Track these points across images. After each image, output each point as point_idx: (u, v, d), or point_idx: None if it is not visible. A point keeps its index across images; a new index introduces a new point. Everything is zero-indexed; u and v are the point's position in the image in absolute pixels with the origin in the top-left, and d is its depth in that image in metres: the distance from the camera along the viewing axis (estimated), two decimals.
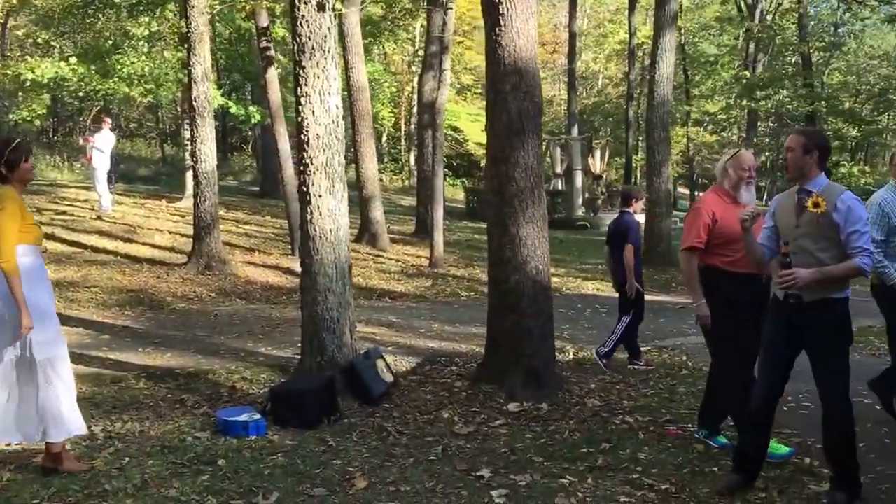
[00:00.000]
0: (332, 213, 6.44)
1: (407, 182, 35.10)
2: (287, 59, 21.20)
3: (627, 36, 35.45)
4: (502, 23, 6.50)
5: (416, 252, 16.65)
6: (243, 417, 5.66)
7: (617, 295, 8.21)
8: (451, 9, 15.35)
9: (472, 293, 12.73)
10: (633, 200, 8.11)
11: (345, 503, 4.46)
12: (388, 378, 6.68)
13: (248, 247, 15.19)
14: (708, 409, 5.71)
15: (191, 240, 13.12)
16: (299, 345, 7.38)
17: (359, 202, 16.83)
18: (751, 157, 5.52)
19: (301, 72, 6.37)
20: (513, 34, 6.48)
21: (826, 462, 4.75)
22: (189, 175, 17.10)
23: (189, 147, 15.58)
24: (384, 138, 36.64)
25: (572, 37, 32.46)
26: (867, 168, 44.85)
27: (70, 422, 4.82)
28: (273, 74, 14.19)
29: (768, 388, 4.72)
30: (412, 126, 35.65)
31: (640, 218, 10.29)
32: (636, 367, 7.94)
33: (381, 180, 20.82)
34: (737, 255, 5.12)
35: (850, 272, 4.41)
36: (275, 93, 14.10)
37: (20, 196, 4.77)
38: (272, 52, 14.44)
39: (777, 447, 5.23)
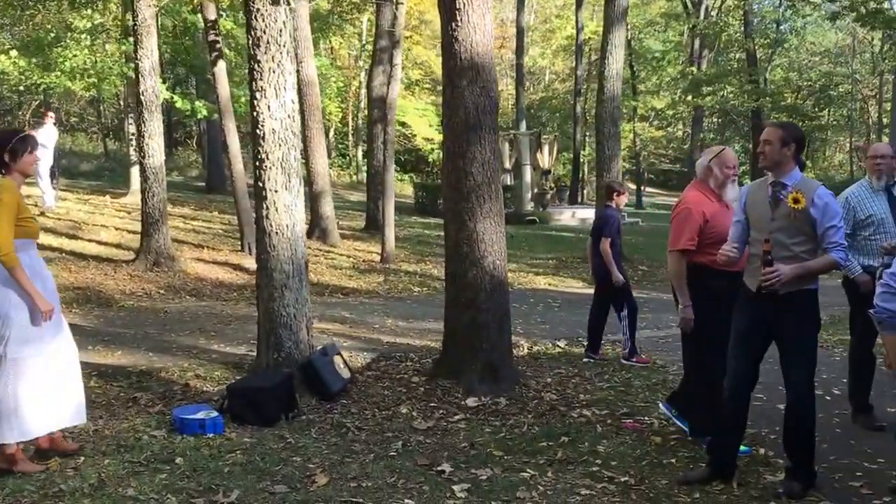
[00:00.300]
0: (288, 209, 6.39)
1: (355, 177, 34.96)
2: (234, 54, 20.99)
3: (575, 31, 35.71)
4: (459, 18, 6.50)
5: (366, 248, 16.60)
6: (200, 415, 5.57)
7: (591, 291, 8.22)
8: (402, 3, 15.31)
9: (425, 288, 12.74)
10: (615, 195, 8.16)
11: (306, 500, 4.41)
12: (346, 374, 6.65)
13: (196, 243, 14.98)
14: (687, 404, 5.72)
15: (138, 236, 12.91)
16: (252, 341, 7.34)
17: (309, 198, 16.72)
18: (734, 155, 5.54)
19: (256, 66, 6.29)
20: (469, 29, 6.49)
21: (784, 450, 4.83)
22: (135, 170, 16.83)
23: (134, 142, 15.31)
24: (331, 133, 36.41)
25: (520, 32, 32.62)
26: (809, 163, 45.79)
27: (25, 423, 4.70)
28: (222, 68, 14.03)
29: (740, 379, 4.77)
30: (360, 121, 35.52)
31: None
32: (591, 359, 7.99)
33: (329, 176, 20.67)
34: None
35: (828, 266, 4.53)
36: (223, 87, 13.94)
37: (19, 189, 4.76)
38: (221, 46, 14.26)
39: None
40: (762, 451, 5.29)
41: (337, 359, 6.66)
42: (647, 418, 6.08)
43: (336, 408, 6.15)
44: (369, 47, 27.84)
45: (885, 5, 25.46)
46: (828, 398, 6.74)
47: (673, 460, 5.16)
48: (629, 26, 28.96)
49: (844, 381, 7.23)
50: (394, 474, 4.82)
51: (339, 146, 38.48)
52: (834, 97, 46.04)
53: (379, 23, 18.81)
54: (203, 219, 18.41)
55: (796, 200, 4.46)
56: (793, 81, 44.57)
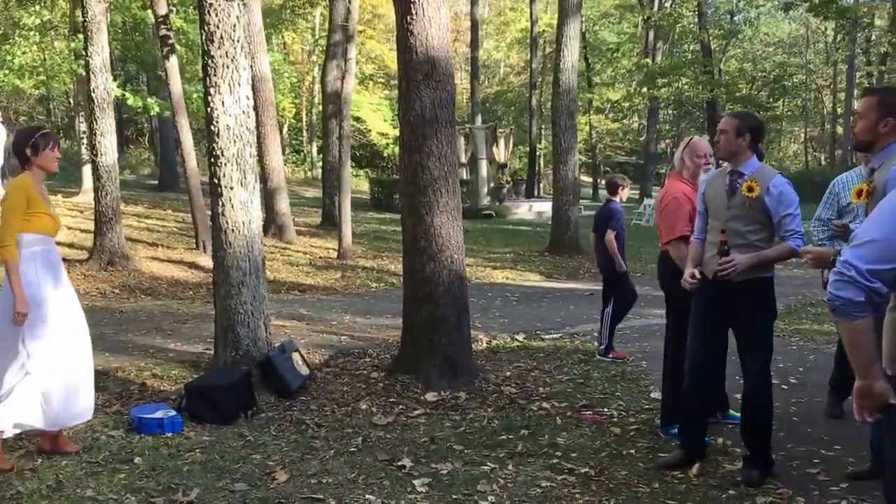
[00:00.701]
0: (244, 206, 6.32)
1: (310, 173, 34.78)
2: (186, 50, 20.72)
3: (529, 24, 35.83)
4: (413, 11, 6.47)
5: (323, 244, 16.52)
6: (158, 414, 5.50)
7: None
8: None
9: (383, 284, 12.71)
10: (619, 189, 8.20)
11: (266, 498, 4.37)
12: (305, 371, 6.60)
13: (151, 242, 14.79)
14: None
15: (91, 235, 12.71)
16: (210, 340, 7.26)
17: (264, 194, 16.59)
18: (705, 144, 5.61)
19: (210, 62, 6.22)
20: (424, 23, 6.46)
21: (742, 438, 4.89)
22: (87, 169, 16.55)
23: (86, 140, 15.07)
24: (285, 129, 36.17)
25: (474, 25, 32.65)
26: (764, 154, 46.25)
27: (21, 414, 4.72)
28: (174, 64, 13.85)
29: (699, 366, 4.84)
30: (314, 117, 35.31)
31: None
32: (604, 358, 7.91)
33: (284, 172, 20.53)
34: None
35: (784, 254, 4.59)
36: (176, 84, 13.76)
37: (37, 184, 4.84)
38: (172, 42, 14.07)
39: None
40: (720, 440, 5.34)
41: (295, 356, 6.61)
42: (606, 410, 6.12)
43: (295, 405, 6.10)
44: (323, 42, 27.66)
45: None
46: (784, 387, 6.84)
47: (632, 451, 5.19)
48: (583, 18, 29.11)
49: (801, 369, 7.41)
50: (354, 470, 4.80)
51: (294, 142, 38.28)
52: (788, 88, 46.65)
53: (332, 17, 18.69)
54: (157, 217, 18.19)
55: (750, 189, 4.53)
56: (747, 72, 45.09)
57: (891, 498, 2.62)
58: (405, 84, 6.63)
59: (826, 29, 43.86)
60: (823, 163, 50.57)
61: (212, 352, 6.92)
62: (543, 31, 37.79)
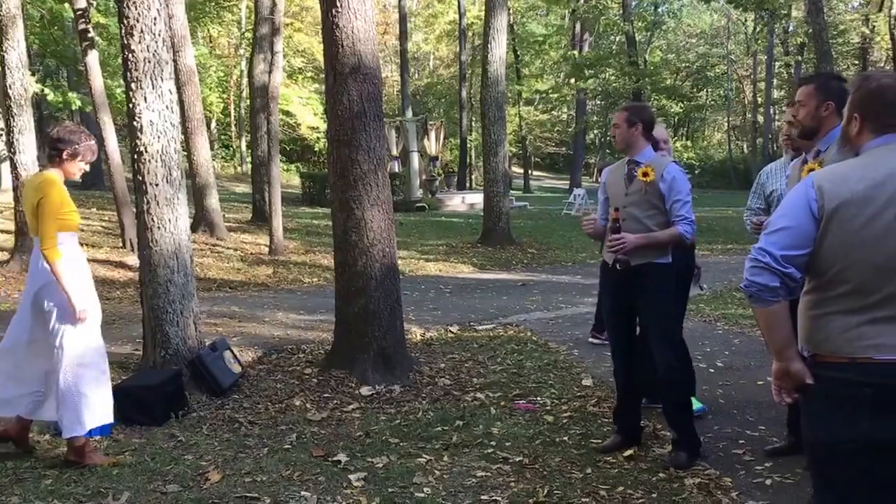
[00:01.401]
0: (170, 202, 6.21)
1: (239, 169, 34.36)
2: (107, 44, 20.25)
3: (457, 16, 35.90)
4: (339, 4, 6.43)
5: (254, 240, 16.34)
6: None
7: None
8: None
9: (315, 279, 12.62)
10: None
11: (199, 498, 4.31)
12: (237, 369, 6.52)
13: None
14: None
15: (12, 236, 12.35)
16: (138, 340, 7.14)
17: (193, 191, 16.32)
18: (661, 130, 5.74)
19: (130, 56, 6.08)
20: (350, 15, 6.43)
21: (667, 423, 5.04)
22: (5, 168, 16.07)
23: (4, 138, 14.62)
24: (213, 124, 35.65)
25: (403, 17, 32.60)
26: (689, 143, 47.36)
27: (93, 412, 4.81)
28: (94, 59, 13.51)
29: (617, 353, 5.05)
30: (242, 111, 34.89)
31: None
32: (597, 341, 8.00)
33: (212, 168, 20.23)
34: None
35: (672, 238, 4.72)
36: (97, 79, 13.44)
37: (61, 181, 4.81)
38: (92, 36, 13.72)
39: None
40: (650, 424, 5.44)
41: (227, 354, 6.53)
42: (539, 399, 6.18)
43: (228, 403, 6.03)
44: (249, 35, 27.28)
45: None
46: (711, 370, 7.00)
47: (565, 438, 5.26)
48: (511, 11, 29.34)
49: (727, 353, 7.60)
50: (289, 467, 4.76)
51: (223, 137, 37.74)
52: (711, 78, 47.76)
53: (258, 10, 18.46)
54: (81, 216, 17.68)
55: (645, 174, 4.72)
56: (671, 63, 45.95)
57: (812, 473, 2.71)
58: (332, 78, 6.58)
59: (746, 20, 45.15)
60: (746, 150, 51.89)
61: (140, 352, 6.79)
62: (472, 23, 37.96)
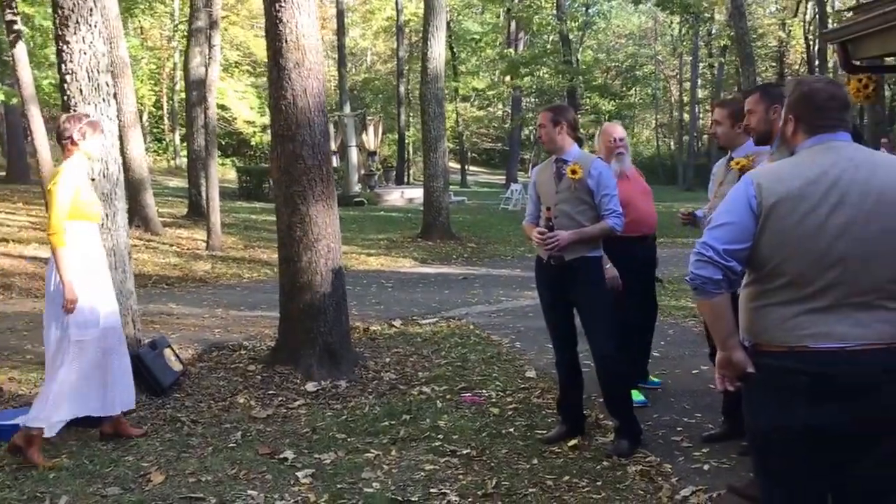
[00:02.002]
0: (107, 197, 6.07)
1: (173, 162, 33.83)
2: (36, 34, 19.71)
3: (395, 13, 35.89)
4: None
5: (190, 235, 16.11)
6: (18, 420, 5.19)
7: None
8: None
9: (255, 274, 12.50)
10: None
11: (142, 500, 4.24)
12: (177, 367, 6.42)
13: (0, 237, 14.05)
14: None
15: None
16: None
17: (126, 185, 15.99)
18: (618, 128, 5.97)
19: (65, 48, 5.93)
20: (294, 10, 6.37)
21: (608, 413, 5.14)
22: None
23: None
24: (145, 118, 35.01)
25: (340, 13, 32.43)
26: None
27: (78, 402, 4.88)
28: (22, 51, 13.13)
29: (558, 346, 5.15)
30: (175, 104, 34.35)
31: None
32: None
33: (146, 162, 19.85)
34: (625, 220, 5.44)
35: (603, 232, 4.84)
36: (25, 71, 13.07)
37: (85, 171, 4.95)
38: (20, 27, 13.34)
39: None
40: (592, 414, 5.51)
41: (167, 352, 6.42)
42: (484, 391, 6.22)
43: (169, 402, 5.93)
44: (183, 27, 26.86)
45: None
46: (649, 361, 7.10)
47: (511, 430, 5.31)
48: (448, 9, 29.37)
49: (662, 343, 7.73)
50: (235, 466, 4.71)
51: (155, 131, 37.07)
52: (639, 77, 48.82)
53: (194, 1, 18.16)
54: (6, 211, 17.29)
55: (574, 171, 4.82)
56: (602, 62, 46.79)
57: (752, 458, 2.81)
58: (276, 73, 6.52)
59: (672, 22, 46.44)
60: (673, 147, 53.11)
61: None
62: (409, 20, 37.95)
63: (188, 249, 14.53)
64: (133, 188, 15.88)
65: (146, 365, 6.05)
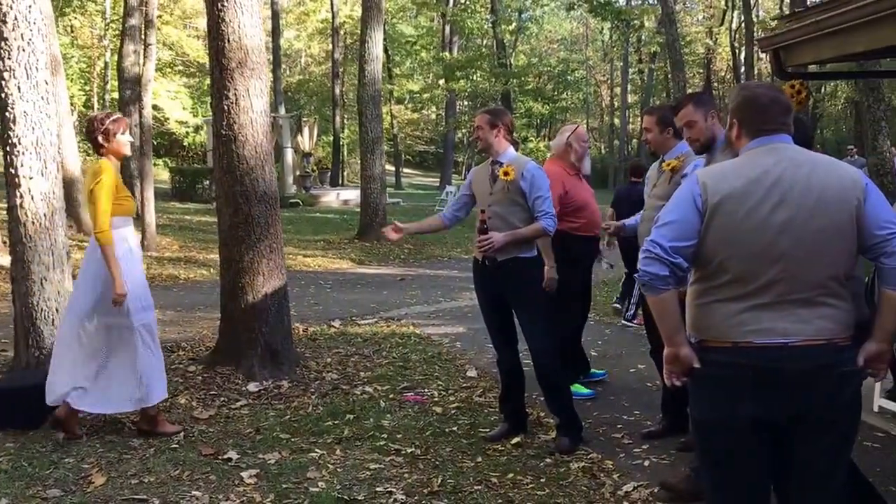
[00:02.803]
0: (45, 197, 5.98)
1: None
2: None
3: (329, 15, 35.78)
4: None
5: None
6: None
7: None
8: None
9: (191, 275, 12.35)
10: (644, 171, 8.51)
11: (83, 502, 4.20)
12: None
13: None
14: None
15: None
16: (4, 340, 6.92)
17: None
18: (581, 132, 6.22)
19: (4, 44, 5.81)
20: (236, 10, 6.34)
21: (549, 411, 5.27)
22: None
23: None
24: (75, 117, 34.21)
25: (275, 14, 32.14)
26: (552, 143, 48.80)
27: (162, 386, 5.21)
28: None
29: (497, 346, 5.25)
30: (107, 103, 33.70)
31: None
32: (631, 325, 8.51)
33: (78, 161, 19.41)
34: (581, 221, 5.83)
35: (536, 233, 4.93)
36: None
37: (114, 169, 5.05)
38: None
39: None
40: (535, 412, 5.61)
41: None
42: (427, 391, 6.28)
43: None
44: (115, 25, 26.38)
45: None
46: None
47: (455, 428, 5.38)
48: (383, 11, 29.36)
49: (600, 342, 7.92)
50: (177, 467, 4.68)
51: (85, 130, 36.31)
52: (571, 82, 49.60)
53: (127, 1, 17.86)
54: None
55: (506, 173, 4.92)
56: (534, 66, 47.39)
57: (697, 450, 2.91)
58: (218, 72, 6.47)
59: (603, 29, 47.35)
60: (603, 151, 54.00)
61: (10, 353, 6.51)
62: (344, 22, 37.83)
63: None
64: (65, 187, 15.54)
65: None
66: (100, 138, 5.05)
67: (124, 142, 5.12)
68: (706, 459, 2.86)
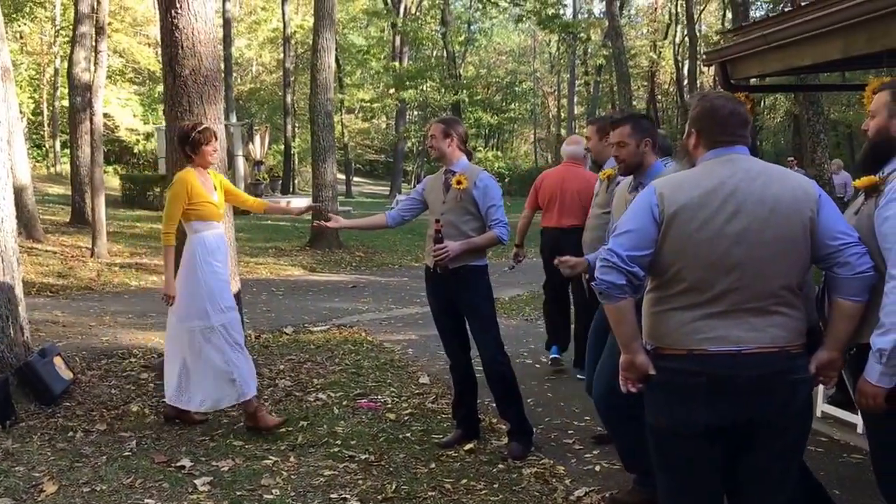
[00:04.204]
0: None
1: (53, 169, 32.64)
2: None
3: (281, 24, 35.71)
4: (178, 5, 6.35)
5: (74, 242, 15.63)
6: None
7: None
8: None
9: (142, 283, 12.23)
10: None
11: None
12: (68, 375, 6.27)
13: None
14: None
15: None
16: None
17: None
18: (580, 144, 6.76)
19: None
20: (190, 17, 6.36)
21: (501, 417, 5.33)
22: None
23: None
24: (24, 123, 33.60)
25: (226, 23, 31.89)
26: (500, 153, 49.35)
27: (252, 383, 5.43)
28: None
29: (449, 352, 5.33)
30: (56, 110, 33.22)
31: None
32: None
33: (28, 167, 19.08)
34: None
35: (489, 242, 5.00)
36: None
37: (198, 176, 5.32)
38: None
39: None
40: (487, 418, 5.68)
41: (57, 360, 6.26)
42: (380, 397, 6.32)
43: (59, 411, 5.78)
44: (65, 32, 26.01)
45: (562, 11, 28.21)
46: (537, 366, 7.40)
47: (408, 434, 5.43)
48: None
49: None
50: (130, 475, 4.66)
51: (34, 136, 35.65)
52: (518, 93, 50.15)
53: (78, 7, 17.65)
54: None
55: (459, 182, 5.00)
56: (483, 77, 47.75)
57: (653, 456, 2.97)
58: (171, 79, 6.48)
59: (550, 41, 47.93)
60: (550, 161, 54.59)
61: None
62: (295, 31, 37.74)
63: (72, 257, 14.10)
64: (15, 194, 15.27)
65: (36, 373, 5.91)
66: (188, 149, 5.30)
67: (210, 151, 5.34)
68: (662, 466, 2.89)
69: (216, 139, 5.48)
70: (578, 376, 6.57)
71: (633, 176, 4.32)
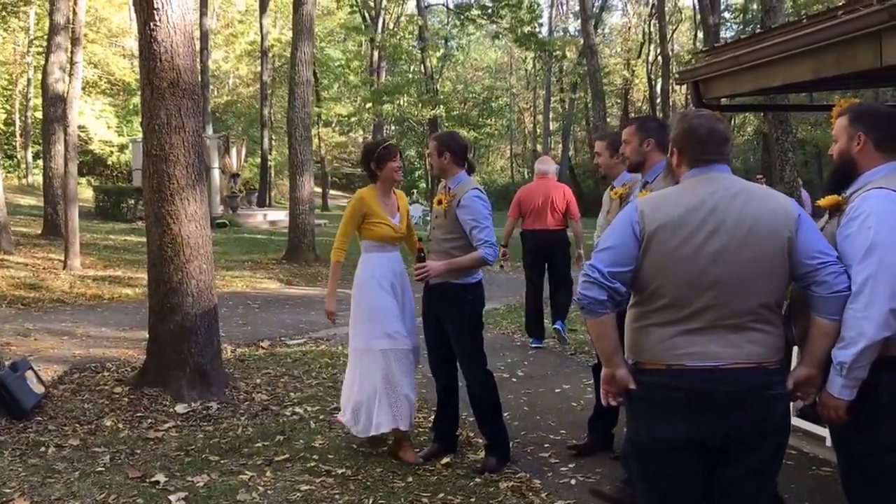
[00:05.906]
0: None
1: (24, 180, 32.36)
2: None
3: (259, 37, 35.75)
4: (157, 17, 6.31)
5: (46, 255, 15.48)
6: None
7: None
8: None
9: (116, 295, 12.11)
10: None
11: None
12: (39, 389, 6.20)
13: None
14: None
15: None
16: None
17: None
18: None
19: None
20: (169, 29, 6.33)
21: (479, 431, 5.34)
22: None
23: None
24: None
25: (204, 35, 31.81)
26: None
27: (401, 414, 5.15)
28: None
29: (431, 364, 5.39)
30: (28, 120, 32.98)
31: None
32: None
33: None
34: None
35: (474, 263, 4.94)
36: None
37: (379, 195, 5.28)
38: None
39: None
40: (464, 433, 5.68)
41: (29, 373, 6.19)
42: None
43: (31, 426, 5.71)
44: (38, 42, 25.83)
45: (537, 29, 28.56)
46: (514, 380, 7.41)
47: (385, 449, 5.40)
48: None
49: (526, 363, 8.08)
50: (104, 490, 4.61)
51: (6, 147, 35.38)
52: (495, 109, 50.61)
53: (53, 17, 17.55)
54: None
55: (440, 202, 5.04)
56: (460, 93, 48.09)
57: (633, 469, 3.00)
58: (149, 92, 6.43)
59: (526, 58, 48.52)
60: (527, 176, 54.93)
61: None
62: (273, 45, 37.75)
63: (44, 269, 13.95)
64: None
65: (7, 387, 5.82)
66: (372, 165, 5.24)
67: (395, 167, 5.25)
68: (642, 479, 2.92)
69: (401, 156, 5.50)
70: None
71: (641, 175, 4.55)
